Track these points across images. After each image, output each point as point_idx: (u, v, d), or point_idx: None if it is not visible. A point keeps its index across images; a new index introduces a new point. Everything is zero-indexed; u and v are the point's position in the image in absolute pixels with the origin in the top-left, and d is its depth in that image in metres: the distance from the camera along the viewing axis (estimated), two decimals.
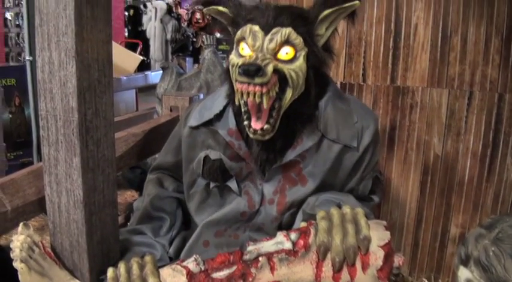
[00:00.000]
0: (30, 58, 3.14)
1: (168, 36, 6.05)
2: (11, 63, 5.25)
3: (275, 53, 1.09)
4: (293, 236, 1.01)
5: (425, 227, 2.00)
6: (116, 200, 1.14)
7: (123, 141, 1.52)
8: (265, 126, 1.11)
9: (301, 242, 0.99)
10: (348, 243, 0.95)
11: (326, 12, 1.12)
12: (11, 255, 1.00)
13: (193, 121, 1.29)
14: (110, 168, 1.10)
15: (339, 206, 1.05)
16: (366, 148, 1.23)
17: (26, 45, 3.15)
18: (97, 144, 1.05)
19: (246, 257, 1.00)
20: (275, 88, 1.08)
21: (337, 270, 0.96)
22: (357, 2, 1.10)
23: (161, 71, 3.48)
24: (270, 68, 1.05)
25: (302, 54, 1.10)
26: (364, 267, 0.96)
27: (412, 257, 2.04)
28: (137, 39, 7.05)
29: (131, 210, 1.45)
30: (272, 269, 0.97)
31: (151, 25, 6.28)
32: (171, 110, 1.87)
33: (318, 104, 1.19)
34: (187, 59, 5.95)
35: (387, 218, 2.02)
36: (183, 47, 6.25)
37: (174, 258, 1.24)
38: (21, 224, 1.03)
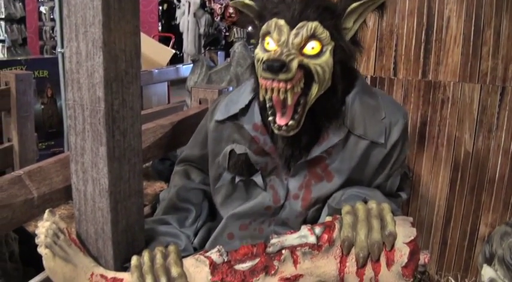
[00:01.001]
0: (63, 50, 3.17)
1: (201, 31, 6.07)
2: (44, 56, 5.35)
3: (301, 47, 1.06)
4: (317, 230, 0.99)
5: (454, 225, 1.96)
6: (141, 190, 1.14)
7: (151, 133, 1.53)
8: (290, 122, 1.09)
9: (326, 236, 0.97)
10: (373, 238, 0.94)
11: (354, 5, 1.10)
12: (36, 241, 1.01)
13: (219, 115, 1.28)
14: (136, 158, 1.10)
15: (365, 201, 1.03)
16: (393, 145, 1.20)
17: (58, 37, 3.19)
18: (123, 134, 1.05)
19: (269, 249, 0.99)
20: (300, 84, 1.05)
21: (361, 266, 0.94)
22: None
23: (192, 64, 3.49)
24: (294, 64, 1.03)
25: (329, 48, 1.07)
26: (389, 263, 0.94)
27: (439, 256, 2.00)
28: (170, 33, 7.10)
29: (157, 201, 1.46)
30: (295, 263, 0.96)
31: (184, 19, 6.31)
32: (200, 103, 1.87)
33: (345, 99, 1.16)
34: (219, 53, 5.95)
35: (415, 215, 1.98)
36: (215, 40, 6.26)
37: (198, 249, 1.24)
38: (47, 211, 1.04)
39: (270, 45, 1.10)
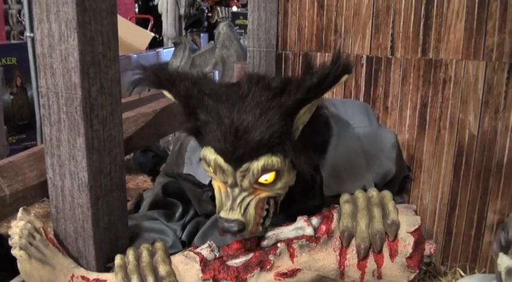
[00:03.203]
0: (32, 35, 3.05)
1: (182, 11, 6.03)
2: (11, 42, 5.27)
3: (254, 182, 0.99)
4: (314, 221, 1.00)
5: (459, 213, 1.97)
6: (124, 184, 1.14)
7: (133, 122, 1.52)
8: (265, 225, 1.04)
9: (323, 227, 0.98)
10: (374, 228, 0.95)
11: (306, 107, 0.97)
12: (9, 243, 1.00)
13: (187, 168, 1.29)
14: (118, 149, 1.10)
15: (364, 190, 1.04)
16: (389, 181, 1.25)
17: (27, 20, 3.10)
18: (103, 123, 1.04)
19: (264, 243, 1.00)
20: (263, 212, 1.01)
21: (362, 258, 0.95)
22: (346, 76, 0.94)
23: (174, 48, 3.47)
24: (251, 211, 0.98)
25: (285, 168, 0.99)
26: (392, 254, 0.95)
27: (444, 246, 2.01)
28: (148, 15, 7.04)
29: (141, 199, 1.46)
30: (292, 256, 0.97)
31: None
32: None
33: (317, 168, 1.14)
34: (201, 35, 5.93)
35: (417, 204, 2.00)
36: (197, 22, 6.22)
37: (187, 243, 1.26)
38: (20, 209, 1.04)
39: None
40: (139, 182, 3.13)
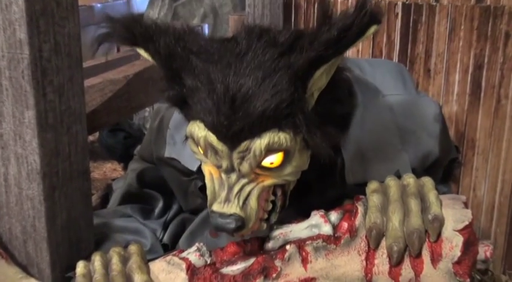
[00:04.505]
0: None
1: None
2: None
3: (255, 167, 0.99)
4: (333, 216, 1.01)
5: None
6: (88, 170, 1.15)
7: (98, 91, 1.53)
8: (271, 221, 1.05)
9: (345, 224, 0.99)
10: (411, 225, 0.95)
11: (322, 69, 0.97)
12: None
13: (168, 151, 1.30)
14: (79, 125, 1.10)
15: (398, 176, 1.05)
16: (428, 167, 1.25)
17: None
18: (59, 92, 1.05)
19: (269, 245, 1.00)
20: (268, 205, 1.02)
21: (395, 263, 0.96)
22: (374, 27, 0.93)
23: None
24: (253, 203, 0.97)
25: (296, 148, 0.99)
26: (435, 259, 0.96)
27: (506, 249, 2.03)
28: None
29: (109, 192, 1.47)
30: (304, 262, 0.98)
31: None
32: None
33: (338, 149, 1.14)
34: None
35: (469, 195, 2.01)
36: None
37: (170, 247, 1.27)
38: None
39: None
40: (107, 171, 3.14)
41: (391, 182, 1.02)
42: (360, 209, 1.00)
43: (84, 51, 1.12)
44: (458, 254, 0.94)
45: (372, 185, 1.03)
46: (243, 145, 0.94)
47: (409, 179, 1.02)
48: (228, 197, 0.96)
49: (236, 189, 0.97)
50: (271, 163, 0.97)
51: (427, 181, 1.02)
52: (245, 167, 0.96)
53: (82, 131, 1.11)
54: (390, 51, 1.98)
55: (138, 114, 3.01)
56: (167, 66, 0.99)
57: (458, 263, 0.95)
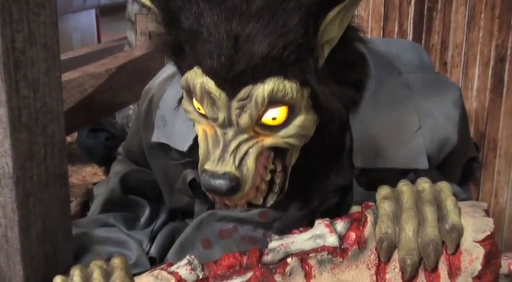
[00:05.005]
0: None
1: None
2: None
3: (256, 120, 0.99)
4: (340, 225, 1.00)
5: None
6: (66, 174, 1.14)
7: (77, 86, 1.53)
8: (268, 203, 1.07)
9: (353, 234, 0.99)
10: (426, 236, 0.95)
11: (336, 10, 0.96)
12: None
13: (156, 136, 1.30)
14: (56, 124, 1.10)
15: (412, 181, 1.05)
16: (445, 160, 1.24)
17: None
18: (34, 87, 1.04)
19: (268, 258, 1.00)
20: (267, 174, 1.02)
21: (408, 278, 0.96)
22: None
23: None
24: (250, 163, 0.97)
25: (302, 105, 0.99)
26: (453, 273, 0.96)
27: None
28: None
29: (90, 198, 1.47)
30: (308, 276, 0.98)
31: None
32: (150, 37, 1.86)
33: (346, 125, 1.17)
34: None
35: (490, 202, 2.01)
36: None
37: (158, 260, 1.27)
38: None
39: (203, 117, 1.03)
40: (86, 175, 3.14)
41: (404, 187, 1.02)
42: (370, 217, 0.99)
43: (61, 42, 1.11)
44: (479, 267, 0.94)
45: (383, 191, 1.02)
46: (244, 91, 0.94)
47: (424, 184, 1.02)
48: (223, 154, 0.96)
49: (232, 146, 0.96)
50: (274, 119, 0.97)
51: (444, 186, 1.02)
52: (244, 118, 0.95)
53: (59, 130, 1.11)
54: None
55: (121, 112, 2.99)
56: (165, 8, 0.99)
57: (478, 277, 0.95)
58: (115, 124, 2.91)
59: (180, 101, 1.03)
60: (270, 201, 1.02)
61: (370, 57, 1.17)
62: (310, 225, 1.02)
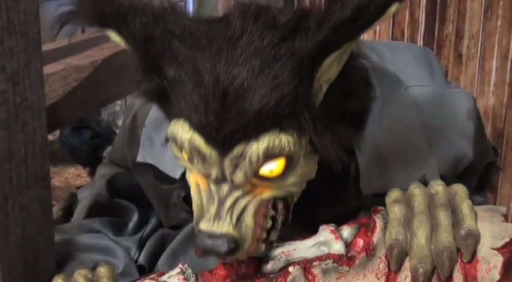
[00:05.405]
0: None
1: None
2: None
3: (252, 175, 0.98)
4: (346, 232, 1.00)
5: None
6: (48, 176, 1.15)
7: (60, 80, 1.52)
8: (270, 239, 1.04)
9: (360, 241, 0.99)
10: (440, 242, 0.95)
11: (328, 61, 0.95)
12: None
13: (141, 156, 1.31)
14: (37, 121, 1.10)
15: (424, 183, 1.05)
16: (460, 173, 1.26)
17: None
18: (13, 80, 1.05)
19: (268, 267, 1.00)
20: (267, 221, 1.00)
21: None
22: (396, 5, 0.91)
23: None
24: (248, 220, 0.96)
25: (301, 153, 0.98)
26: None
27: None
28: None
29: (74, 202, 1.47)
30: None
31: None
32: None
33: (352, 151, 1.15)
34: None
35: (509, 206, 2.01)
36: None
37: (148, 269, 1.27)
38: None
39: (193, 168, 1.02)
40: (69, 177, 3.13)
41: (416, 190, 1.02)
42: (379, 222, 0.99)
43: (43, 32, 1.11)
44: (497, 277, 0.95)
45: (393, 194, 1.02)
46: (237, 150, 0.92)
47: (438, 187, 1.02)
48: (219, 212, 0.94)
49: (228, 203, 0.95)
50: (271, 171, 0.95)
51: (459, 189, 1.02)
52: (239, 176, 0.94)
53: (41, 128, 1.11)
54: (414, 33, 1.98)
55: (107, 109, 3.00)
56: (144, 53, 0.98)
57: None
58: (100, 121, 2.91)
59: (167, 139, 1.02)
60: (273, 238, 1.01)
61: (374, 76, 1.17)
62: (314, 231, 1.02)
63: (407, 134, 1.20)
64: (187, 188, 1.07)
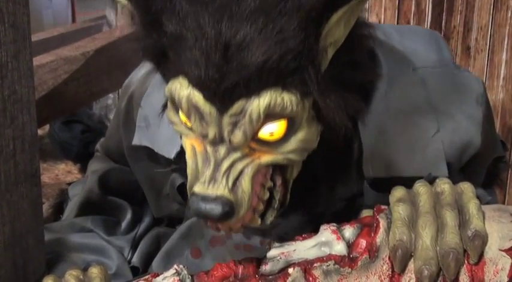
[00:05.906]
0: None
1: None
2: None
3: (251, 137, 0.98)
4: (348, 232, 1.00)
5: None
6: (37, 172, 1.15)
7: (50, 71, 1.53)
8: (267, 220, 1.06)
9: (363, 242, 0.99)
10: (446, 243, 0.94)
11: (335, 17, 0.95)
12: None
13: (137, 138, 1.30)
14: (26, 115, 1.11)
15: (430, 181, 1.05)
16: (467, 163, 1.26)
17: None
18: (1, 72, 1.05)
19: (267, 268, 1.00)
20: (265, 192, 1.01)
21: None
22: None
23: None
24: (245, 184, 0.96)
25: (304, 116, 0.98)
26: None
27: None
28: None
29: (64, 199, 1.47)
30: None
31: None
32: (132, 17, 1.86)
33: (354, 130, 1.15)
34: None
35: None
36: None
37: (142, 270, 1.28)
38: None
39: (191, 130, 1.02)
40: (59, 174, 3.13)
41: (422, 188, 1.01)
42: (382, 222, 0.99)
43: (33, 21, 1.11)
44: (506, 279, 0.95)
45: (397, 193, 1.01)
46: (237, 106, 0.92)
47: (444, 185, 1.01)
48: (214, 175, 0.94)
49: (225, 165, 0.94)
50: (271, 134, 0.95)
51: (467, 188, 1.01)
52: (238, 136, 0.93)
53: (30, 122, 1.11)
54: (420, 24, 1.98)
55: (99, 102, 2.99)
56: (145, 9, 0.98)
57: None
58: (92, 115, 2.90)
59: (164, 107, 1.02)
60: (269, 219, 1.01)
61: (381, 53, 1.17)
62: (315, 231, 1.01)
63: (413, 116, 1.20)
64: (182, 173, 1.06)
